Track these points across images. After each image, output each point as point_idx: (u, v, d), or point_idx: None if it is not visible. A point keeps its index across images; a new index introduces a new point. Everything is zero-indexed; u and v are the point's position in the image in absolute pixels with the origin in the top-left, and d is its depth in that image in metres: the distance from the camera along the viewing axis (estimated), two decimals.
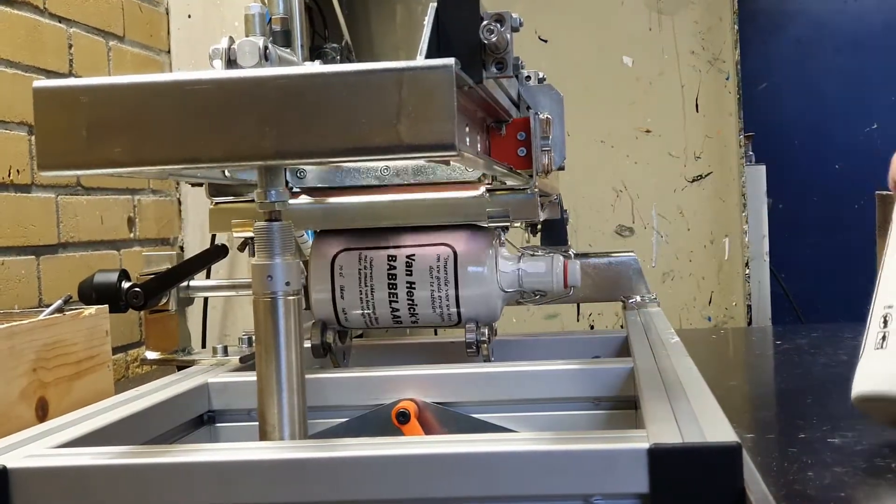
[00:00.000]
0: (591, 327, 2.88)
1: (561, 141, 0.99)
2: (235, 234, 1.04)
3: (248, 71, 0.65)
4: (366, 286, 1.03)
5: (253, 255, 0.74)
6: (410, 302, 1.02)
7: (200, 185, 1.00)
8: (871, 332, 0.83)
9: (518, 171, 0.94)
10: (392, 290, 1.02)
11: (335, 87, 0.60)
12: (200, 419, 0.98)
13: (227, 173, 0.93)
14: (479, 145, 0.80)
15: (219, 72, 0.65)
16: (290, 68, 0.66)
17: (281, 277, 0.73)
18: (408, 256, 1.03)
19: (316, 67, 0.62)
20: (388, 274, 1.02)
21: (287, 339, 0.73)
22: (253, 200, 0.76)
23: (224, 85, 0.62)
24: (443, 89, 0.59)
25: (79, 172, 0.65)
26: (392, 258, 1.03)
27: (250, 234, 1.01)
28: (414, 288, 1.02)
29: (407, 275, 1.02)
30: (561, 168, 1.01)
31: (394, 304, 1.02)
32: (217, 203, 1.05)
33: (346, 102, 0.60)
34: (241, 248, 1.08)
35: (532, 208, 1.03)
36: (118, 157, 0.62)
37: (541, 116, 0.94)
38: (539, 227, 1.43)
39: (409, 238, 1.04)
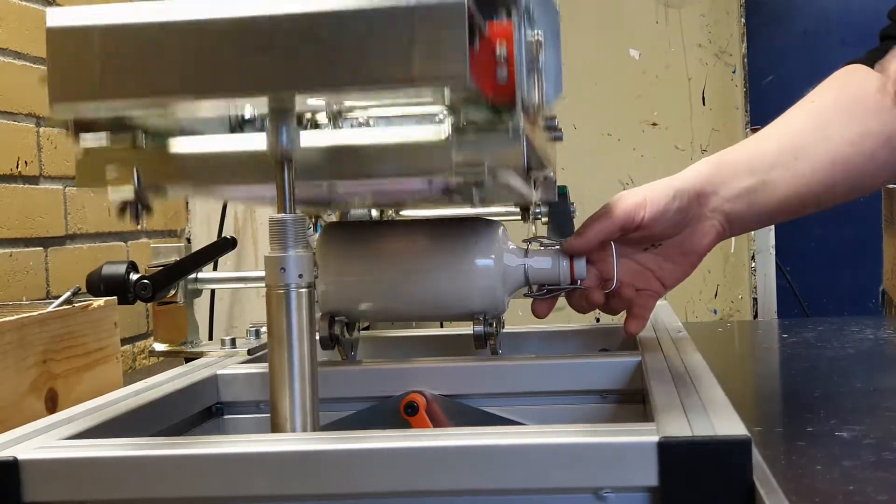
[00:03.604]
0: (598, 320, 2.87)
1: (556, 69, 0.78)
2: (111, 192, 0.73)
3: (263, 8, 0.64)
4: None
5: (136, 221, 0.70)
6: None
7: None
8: None
9: (497, 105, 0.65)
10: None
11: (348, 24, 0.62)
12: (209, 411, 0.99)
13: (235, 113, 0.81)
14: None
15: (234, 7, 0.64)
16: (305, 4, 0.64)
17: (294, 270, 0.73)
18: None
19: (330, 4, 0.62)
20: None
21: (299, 331, 0.73)
22: (135, 144, 0.72)
23: (239, 23, 0.63)
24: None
25: (91, 104, 0.66)
26: None
27: (130, 194, 0.72)
28: None
29: None
30: (561, 95, 0.80)
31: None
32: (86, 147, 0.73)
33: (360, 40, 0.61)
34: (122, 213, 0.73)
35: (515, 155, 0.70)
36: (131, 89, 0.64)
37: (531, 36, 0.71)
38: (541, 216, 1.42)
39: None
